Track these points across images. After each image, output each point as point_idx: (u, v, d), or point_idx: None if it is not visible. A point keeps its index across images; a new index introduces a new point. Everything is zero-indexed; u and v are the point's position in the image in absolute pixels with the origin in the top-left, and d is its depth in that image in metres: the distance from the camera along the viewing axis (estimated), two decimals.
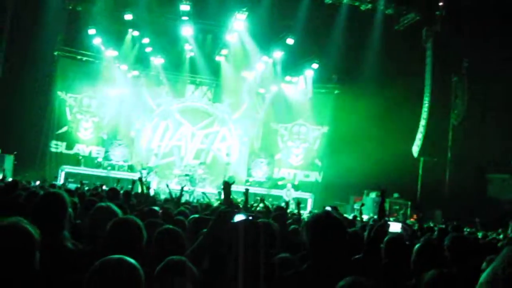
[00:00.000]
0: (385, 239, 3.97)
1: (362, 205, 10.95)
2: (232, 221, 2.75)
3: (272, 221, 4.18)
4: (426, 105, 19.71)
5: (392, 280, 3.37)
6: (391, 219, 12.24)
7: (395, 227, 4.36)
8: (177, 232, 3.45)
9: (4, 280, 2.09)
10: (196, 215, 5.30)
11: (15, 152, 19.16)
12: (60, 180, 18.65)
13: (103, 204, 3.69)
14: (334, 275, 2.27)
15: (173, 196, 9.01)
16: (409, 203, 19.34)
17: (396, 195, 19.49)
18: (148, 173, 19.60)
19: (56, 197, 3.06)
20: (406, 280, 3.38)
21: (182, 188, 9.10)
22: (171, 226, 3.62)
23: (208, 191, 18.58)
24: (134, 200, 7.54)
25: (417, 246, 3.53)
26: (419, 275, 2.84)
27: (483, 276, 1.05)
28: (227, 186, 4.07)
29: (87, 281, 1.95)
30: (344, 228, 2.96)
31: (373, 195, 19.30)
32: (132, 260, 2.02)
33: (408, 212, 18.99)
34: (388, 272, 3.59)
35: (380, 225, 4.04)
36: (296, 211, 10.91)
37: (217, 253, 2.64)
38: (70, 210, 3.19)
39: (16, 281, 2.10)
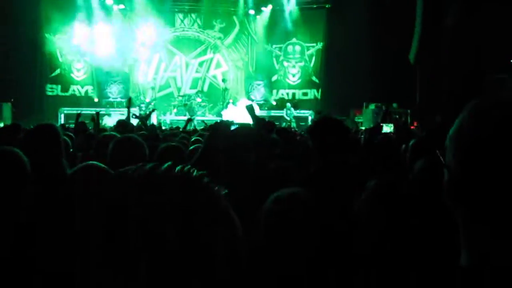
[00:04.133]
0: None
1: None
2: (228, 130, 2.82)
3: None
4: (420, 7, 19.05)
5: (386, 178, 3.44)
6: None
7: (387, 128, 4.42)
8: (179, 147, 3.54)
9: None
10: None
11: (12, 99, 19.11)
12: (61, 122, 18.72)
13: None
14: (339, 177, 2.33)
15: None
16: (409, 111, 19.36)
17: (395, 104, 19.47)
18: (146, 107, 19.60)
19: (47, 127, 3.11)
20: (402, 176, 3.45)
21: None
22: (173, 143, 3.71)
23: (208, 118, 18.66)
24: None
25: (411, 142, 3.58)
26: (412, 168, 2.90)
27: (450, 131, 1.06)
28: (250, 109, 4.06)
29: None
30: (345, 127, 3.04)
31: (372, 106, 19.34)
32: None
33: (409, 120, 19.06)
34: (382, 170, 3.66)
35: (374, 127, 4.10)
36: (297, 129, 10.97)
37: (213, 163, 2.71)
38: (65, 138, 3.24)
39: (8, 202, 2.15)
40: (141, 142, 2.93)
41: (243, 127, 2.68)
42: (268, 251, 1.56)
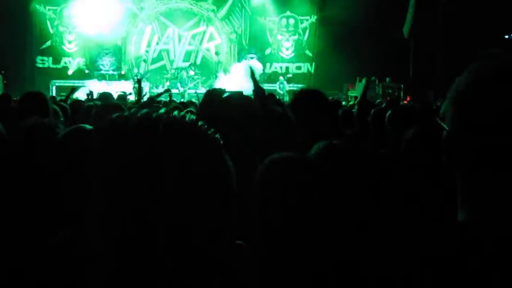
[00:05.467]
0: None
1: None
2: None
3: None
4: None
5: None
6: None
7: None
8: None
9: None
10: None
11: (3, 71, 18.93)
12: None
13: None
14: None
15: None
16: (402, 86, 19.35)
17: (388, 79, 19.48)
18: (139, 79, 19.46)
19: (34, 94, 3.11)
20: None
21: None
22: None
23: (201, 92, 18.57)
24: None
25: (388, 113, 3.56)
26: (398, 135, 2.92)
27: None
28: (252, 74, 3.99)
29: None
30: (325, 98, 3.03)
31: (364, 81, 19.29)
32: None
33: (402, 94, 19.06)
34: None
35: (363, 100, 4.14)
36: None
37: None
38: (55, 106, 3.23)
39: None
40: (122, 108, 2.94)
41: (237, 95, 2.62)
42: (262, 210, 1.58)
